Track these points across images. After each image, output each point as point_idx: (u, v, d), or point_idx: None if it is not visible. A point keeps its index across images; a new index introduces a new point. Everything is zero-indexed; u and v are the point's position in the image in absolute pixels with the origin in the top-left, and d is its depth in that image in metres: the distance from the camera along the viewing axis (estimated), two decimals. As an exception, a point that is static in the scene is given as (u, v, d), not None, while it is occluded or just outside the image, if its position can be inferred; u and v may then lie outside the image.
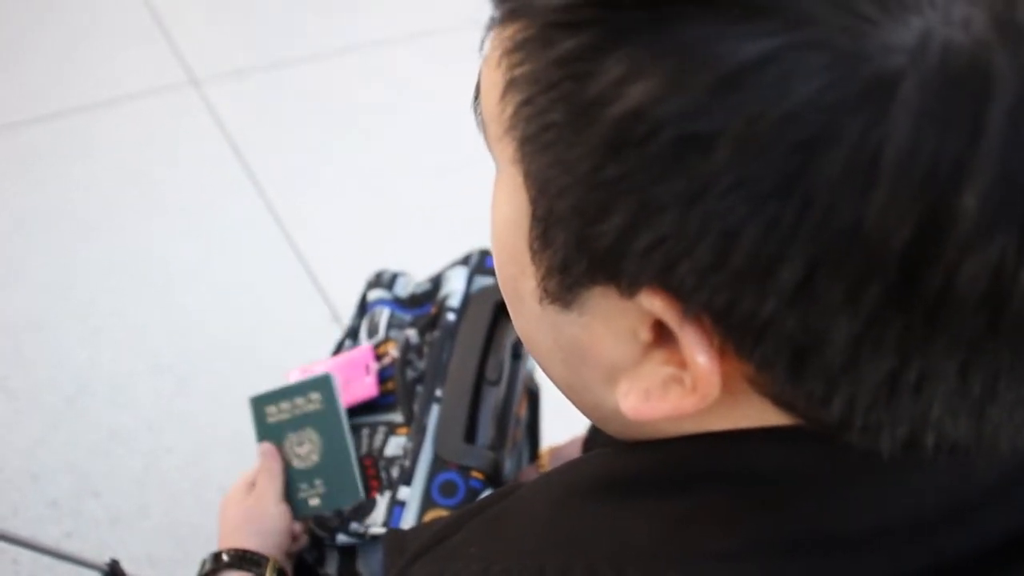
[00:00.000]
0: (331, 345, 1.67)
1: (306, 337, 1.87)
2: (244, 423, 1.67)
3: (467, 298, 0.91)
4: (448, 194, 2.23)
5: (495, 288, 0.91)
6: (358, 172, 2.29)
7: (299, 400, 0.87)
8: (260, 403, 0.88)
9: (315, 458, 0.84)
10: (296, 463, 0.85)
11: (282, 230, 2.12)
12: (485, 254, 0.96)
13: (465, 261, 0.95)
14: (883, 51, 0.26)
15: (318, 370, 0.89)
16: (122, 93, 2.49)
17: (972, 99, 0.25)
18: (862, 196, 0.26)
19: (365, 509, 0.80)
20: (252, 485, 0.84)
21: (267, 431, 0.87)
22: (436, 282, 0.96)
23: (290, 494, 0.84)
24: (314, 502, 0.82)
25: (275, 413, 0.87)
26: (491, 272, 0.94)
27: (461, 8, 2.88)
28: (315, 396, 0.86)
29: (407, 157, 2.33)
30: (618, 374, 0.36)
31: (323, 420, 0.85)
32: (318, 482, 0.83)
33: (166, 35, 2.71)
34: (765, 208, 0.27)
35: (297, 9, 2.87)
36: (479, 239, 1.15)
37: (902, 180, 0.26)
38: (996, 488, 0.35)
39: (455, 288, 0.91)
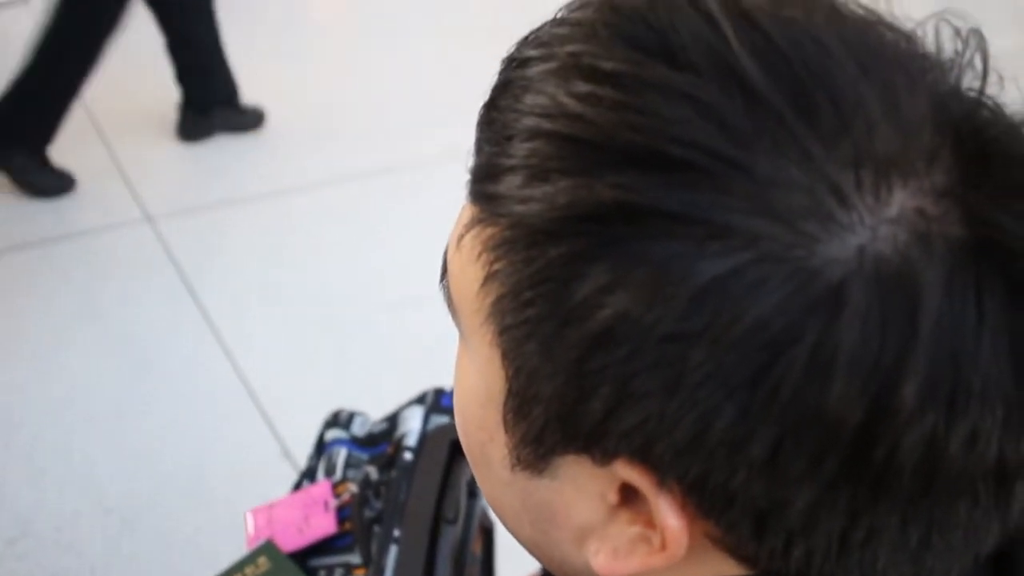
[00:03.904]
0: (282, 482, 1.65)
1: (256, 474, 1.86)
2: (191, 564, 1.64)
3: (423, 437, 0.92)
4: (398, 331, 2.25)
5: (451, 427, 0.93)
6: (309, 309, 2.31)
7: (248, 569, 0.89)
8: None
9: None
10: None
11: (233, 366, 2.12)
12: (440, 393, 0.98)
13: (421, 400, 0.97)
14: (829, 264, 0.30)
15: (276, 509, 0.90)
16: (76, 229, 2.51)
17: (905, 306, 0.30)
18: (822, 387, 0.30)
19: (323, 652, 0.79)
20: None
21: None
22: (392, 421, 0.97)
23: None
24: None
25: None
26: (446, 411, 0.96)
27: (411, 148, 2.97)
28: (262, 560, 0.89)
29: (358, 295, 2.37)
30: (587, 534, 0.38)
31: (277, 572, 0.88)
32: None
33: (121, 171, 2.75)
34: (737, 396, 0.31)
35: (251, 148, 2.94)
36: (430, 377, 1.18)
37: (854, 375, 0.30)
38: None
39: (412, 428, 0.93)
